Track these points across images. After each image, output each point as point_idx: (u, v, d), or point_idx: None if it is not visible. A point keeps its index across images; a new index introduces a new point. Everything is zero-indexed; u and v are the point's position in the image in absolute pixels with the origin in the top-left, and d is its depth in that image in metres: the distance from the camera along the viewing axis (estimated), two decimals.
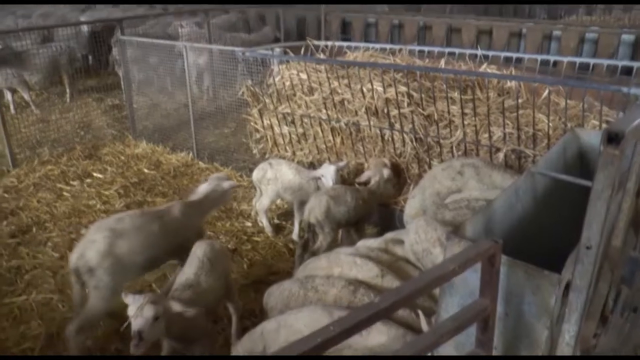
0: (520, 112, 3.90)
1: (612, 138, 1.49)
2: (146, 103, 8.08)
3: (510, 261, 1.87)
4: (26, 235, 4.96)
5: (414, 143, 4.50)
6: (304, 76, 5.00)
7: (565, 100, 3.76)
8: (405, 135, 4.52)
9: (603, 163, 1.50)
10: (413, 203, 3.66)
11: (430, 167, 4.46)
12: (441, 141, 4.33)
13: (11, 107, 8.70)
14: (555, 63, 5.18)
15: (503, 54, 5.00)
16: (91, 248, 3.32)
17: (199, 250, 3.32)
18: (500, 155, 4.01)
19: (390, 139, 4.66)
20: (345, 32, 10.56)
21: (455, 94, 4.27)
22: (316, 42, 5.98)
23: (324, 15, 10.20)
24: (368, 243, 3.22)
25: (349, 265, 2.70)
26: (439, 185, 3.49)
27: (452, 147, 4.29)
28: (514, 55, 4.84)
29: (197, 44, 7.03)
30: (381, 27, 10.00)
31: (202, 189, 4.12)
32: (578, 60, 4.83)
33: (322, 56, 5.67)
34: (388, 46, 5.51)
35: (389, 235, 3.30)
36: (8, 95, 8.66)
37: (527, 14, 13.51)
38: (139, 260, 3.47)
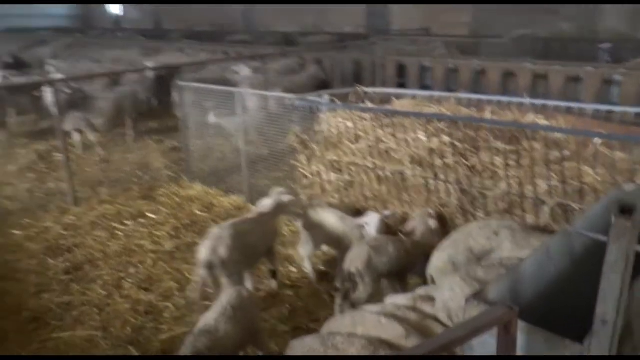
0: (567, 164, 3.84)
1: (625, 209, 1.48)
2: (202, 146, 8.40)
3: (530, 328, 1.84)
4: (79, 272, 5.22)
5: (459, 194, 4.49)
6: (350, 124, 5.12)
7: (613, 153, 3.68)
8: (449, 186, 4.51)
9: (615, 235, 1.49)
10: (442, 256, 3.64)
11: (475, 218, 4.42)
12: (486, 193, 4.30)
13: (78, 148, 9.22)
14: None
15: (553, 103, 4.94)
16: (221, 245, 4.15)
17: (224, 297, 3.41)
18: (546, 208, 3.94)
19: (435, 188, 4.67)
20: (401, 75, 10.69)
21: (500, 145, 4.25)
22: (365, 89, 6.11)
23: (380, 59, 10.38)
24: (397, 299, 3.21)
25: (373, 324, 2.71)
26: (473, 242, 3.46)
27: (496, 199, 4.25)
28: (563, 104, 4.77)
29: (250, 90, 7.29)
30: (436, 71, 10.08)
31: (269, 201, 4.89)
32: (633, 110, 4.71)
33: (369, 104, 5.77)
34: (435, 94, 5.56)
35: (420, 291, 3.28)
36: (76, 137, 9.21)
37: (589, 57, 13.27)
38: (250, 255, 4.42)
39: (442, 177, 4.55)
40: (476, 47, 13.04)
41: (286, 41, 22.44)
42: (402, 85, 10.21)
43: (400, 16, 22.69)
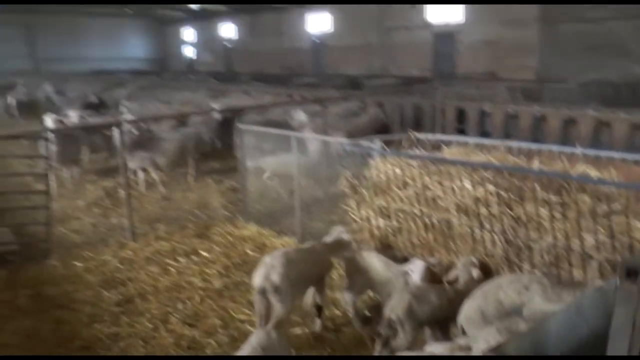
0: (616, 218, 3.73)
1: (630, 273, 1.47)
2: (259, 187, 8.64)
3: None
4: (130, 304, 5.46)
5: (504, 244, 4.42)
6: (398, 171, 5.17)
7: None
8: (495, 236, 4.46)
9: (620, 299, 1.48)
10: (472, 306, 3.59)
11: (521, 270, 4.34)
12: (531, 245, 4.22)
13: (142, 185, 9.68)
14: None
15: (605, 153, 4.82)
16: (274, 272, 4.44)
17: (254, 338, 3.49)
18: (594, 263, 3.82)
19: (480, 238, 4.62)
20: (461, 120, 10.69)
21: (548, 196, 4.18)
22: (417, 135, 6.15)
23: (440, 104, 10.43)
24: (435, 348, 3.19)
25: None
26: (503, 294, 3.40)
27: (542, 252, 4.16)
28: (617, 154, 4.65)
29: (305, 134, 7.49)
30: (496, 116, 10.01)
31: (331, 236, 5.24)
32: None
33: (420, 150, 5.80)
34: (486, 141, 5.54)
35: (460, 340, 3.24)
36: (140, 175, 9.69)
37: None
38: (301, 281, 4.68)
39: (487, 226, 4.51)
40: (541, 92, 12.85)
41: (352, 84, 22.90)
42: (461, 130, 10.20)
43: (467, 60, 22.71)
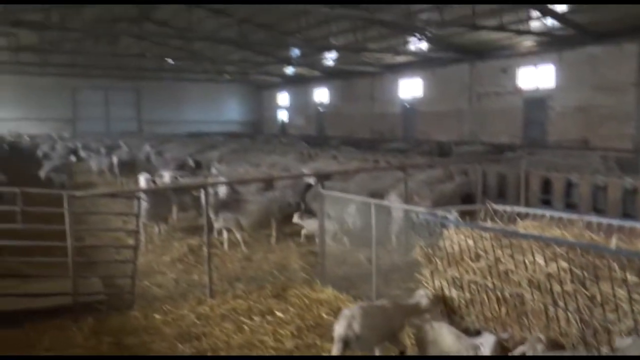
0: None
1: None
2: (338, 252, 8.81)
3: None
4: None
5: (579, 324, 4.29)
6: (470, 242, 5.20)
7: None
8: (569, 314, 4.35)
9: None
10: None
11: (599, 353, 4.18)
12: (609, 327, 4.08)
13: (225, 244, 10.15)
14: None
15: None
16: (355, 322, 4.89)
17: None
18: None
19: (554, 315, 4.51)
20: (547, 191, 10.44)
21: (626, 276, 4.06)
22: (494, 206, 6.15)
23: (525, 174, 10.28)
24: None
25: None
26: None
27: (622, 335, 4.00)
28: None
29: (384, 202, 7.64)
30: (583, 188, 9.71)
31: (412, 299, 5.58)
32: None
33: (496, 221, 5.79)
34: (564, 215, 5.46)
35: None
36: (224, 234, 10.18)
37: None
38: (376, 334, 5.09)
39: (561, 304, 4.41)
40: (637, 163, 12.32)
41: (441, 150, 23.00)
42: (546, 202, 9.95)
43: (558, 127, 22.21)
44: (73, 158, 24.87)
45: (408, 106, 33.10)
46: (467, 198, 10.81)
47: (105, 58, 35.38)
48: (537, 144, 21.01)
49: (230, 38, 28.02)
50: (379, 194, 11.48)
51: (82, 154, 25.74)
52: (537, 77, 23.89)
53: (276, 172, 15.29)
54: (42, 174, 18.05)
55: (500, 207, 6.13)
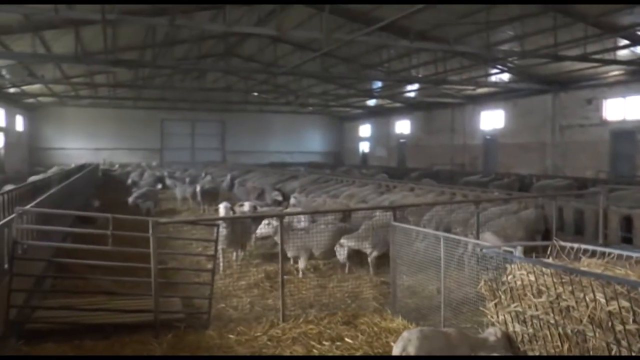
0: None
1: None
2: (409, 283, 8.97)
3: None
4: None
5: None
6: (532, 278, 5.28)
7: None
8: (634, 354, 4.35)
9: None
10: None
11: None
12: None
13: (300, 272, 10.55)
14: None
15: None
16: (410, 345, 5.04)
17: None
18: None
19: (618, 353, 4.51)
20: (627, 228, 10.13)
21: None
22: (562, 243, 6.17)
23: (603, 210, 10.05)
24: None
25: None
26: None
27: None
28: None
29: (451, 235, 7.76)
30: None
31: (483, 334, 5.63)
32: None
33: (564, 258, 5.82)
34: (634, 254, 5.42)
35: None
36: (300, 263, 10.58)
37: None
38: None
39: (624, 343, 4.42)
40: None
41: (521, 183, 22.53)
42: (627, 239, 9.64)
43: None
44: (159, 186, 26.39)
45: (489, 138, 32.68)
46: (545, 233, 10.69)
47: (193, 92, 37.43)
48: (625, 179, 20.14)
49: (313, 72, 28.93)
50: (453, 227, 11.65)
51: (168, 182, 27.27)
52: (625, 108, 23.00)
53: (353, 203, 15.64)
54: (130, 200, 19.31)
55: (567, 244, 6.13)
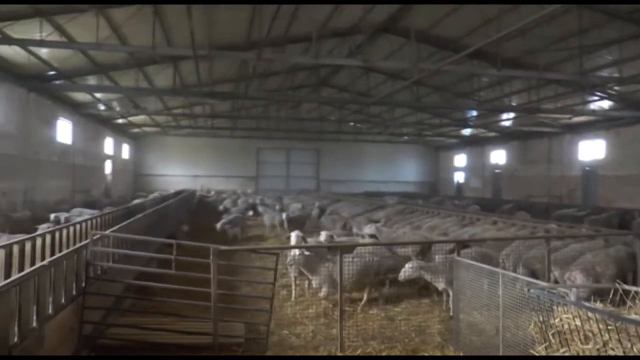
0: None
1: None
2: (473, 320, 8.72)
3: None
4: None
5: None
6: (578, 323, 5.04)
7: None
8: None
9: None
10: None
11: None
12: None
13: (365, 302, 10.54)
14: None
15: None
16: None
17: None
18: None
19: None
20: None
21: None
22: (626, 287, 5.83)
23: None
24: None
25: None
26: None
27: None
28: None
29: (508, 272, 7.48)
30: None
31: None
32: None
33: (632, 304, 5.52)
34: None
35: None
36: (365, 295, 10.60)
37: None
38: None
39: None
40: None
41: (620, 219, 21.10)
42: None
43: None
44: (251, 213, 27.24)
45: (588, 169, 31.01)
46: (619, 274, 10.07)
47: (288, 122, 38.59)
48: None
49: (404, 101, 29.03)
50: (531, 264, 11.19)
51: (260, 209, 28.08)
52: None
53: (435, 235, 15.41)
54: (218, 226, 20.10)
55: (633, 288, 5.79)
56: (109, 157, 38.58)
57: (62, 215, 17.37)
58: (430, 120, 37.47)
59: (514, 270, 11.81)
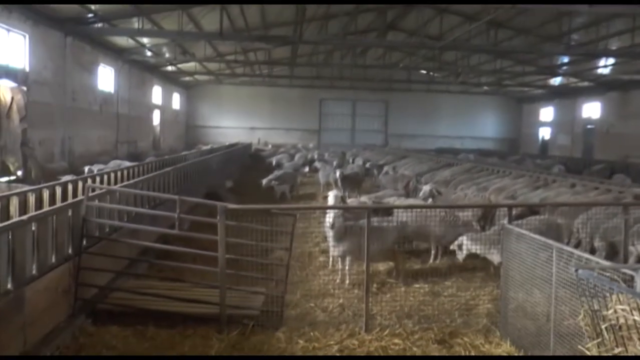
0: None
1: None
2: (522, 301, 7.95)
3: None
4: None
5: None
6: (637, 317, 4.28)
7: None
8: None
9: None
10: None
11: None
12: None
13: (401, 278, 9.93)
14: None
15: None
16: None
17: None
18: None
19: None
20: None
21: None
22: None
23: None
24: None
25: None
26: None
27: None
28: None
29: (565, 247, 6.63)
30: None
31: None
32: None
33: None
34: None
35: None
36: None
37: None
38: None
39: None
40: None
41: None
42: None
43: None
44: (306, 169, 26.91)
45: None
46: None
47: (353, 70, 37.60)
48: None
49: (483, 46, 27.45)
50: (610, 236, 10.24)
51: (317, 165, 27.67)
52: None
53: (501, 198, 14.55)
54: (264, 182, 19.83)
55: None
56: (157, 107, 39.13)
57: (97, 168, 17.57)
58: (512, 67, 35.58)
59: (590, 243, 10.87)
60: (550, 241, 6.68)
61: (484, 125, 52.46)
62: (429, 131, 50.76)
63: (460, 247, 10.01)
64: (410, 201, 13.65)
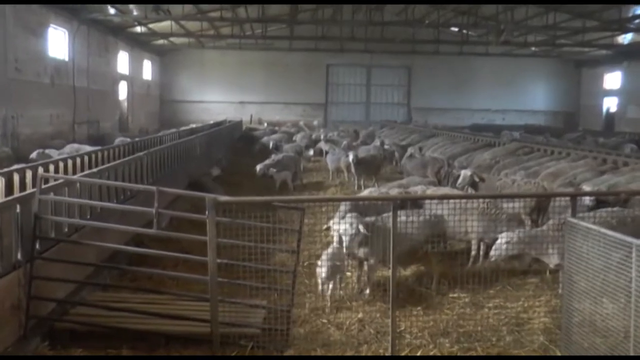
0: None
1: None
2: (590, 314, 7.93)
3: None
4: None
5: None
6: None
7: None
8: None
9: None
10: None
11: None
12: None
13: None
14: None
15: None
16: None
17: None
18: None
19: None
20: None
21: None
22: None
23: None
24: None
25: None
26: None
27: None
28: None
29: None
30: None
31: None
32: None
33: None
34: None
35: None
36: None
37: None
38: None
39: None
40: None
41: None
42: None
43: None
44: (311, 152, 26.92)
45: None
46: None
47: (367, 28, 37.40)
48: None
49: None
50: None
51: (325, 147, 27.68)
52: None
53: (556, 185, 14.55)
54: (258, 169, 19.86)
55: None
56: (123, 77, 39.24)
57: (52, 152, 17.61)
58: (569, 22, 35.43)
59: None
60: (629, 238, 6.66)
61: (533, 96, 52.42)
62: (463, 104, 50.75)
63: (507, 245, 9.96)
64: (445, 190, 13.63)
